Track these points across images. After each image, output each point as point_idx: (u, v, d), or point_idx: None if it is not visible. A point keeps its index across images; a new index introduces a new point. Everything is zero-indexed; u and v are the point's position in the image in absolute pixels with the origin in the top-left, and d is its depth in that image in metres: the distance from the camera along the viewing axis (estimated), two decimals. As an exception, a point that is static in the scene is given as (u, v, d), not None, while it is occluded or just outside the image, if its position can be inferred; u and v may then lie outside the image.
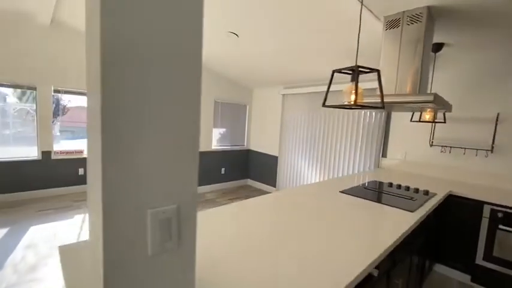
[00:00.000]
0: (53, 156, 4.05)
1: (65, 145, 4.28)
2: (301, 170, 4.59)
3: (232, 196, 4.77)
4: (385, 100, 1.69)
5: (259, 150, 5.41)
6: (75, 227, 3.07)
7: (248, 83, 5.20)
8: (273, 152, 5.10)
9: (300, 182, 4.60)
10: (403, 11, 1.96)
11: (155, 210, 0.65)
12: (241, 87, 5.35)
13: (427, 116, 2.74)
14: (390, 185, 2.47)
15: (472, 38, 2.41)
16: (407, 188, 2.37)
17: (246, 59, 3.88)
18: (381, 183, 2.55)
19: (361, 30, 2.55)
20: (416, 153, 3.24)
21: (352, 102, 1.46)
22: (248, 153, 5.65)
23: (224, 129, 5.20)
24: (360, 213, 1.68)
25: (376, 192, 2.21)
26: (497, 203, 2.25)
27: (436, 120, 2.69)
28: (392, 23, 2.03)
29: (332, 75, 1.53)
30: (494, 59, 2.66)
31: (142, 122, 0.59)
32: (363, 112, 3.74)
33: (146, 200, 0.63)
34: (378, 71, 1.45)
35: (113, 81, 0.53)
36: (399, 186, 2.41)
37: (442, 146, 3.01)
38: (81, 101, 4.42)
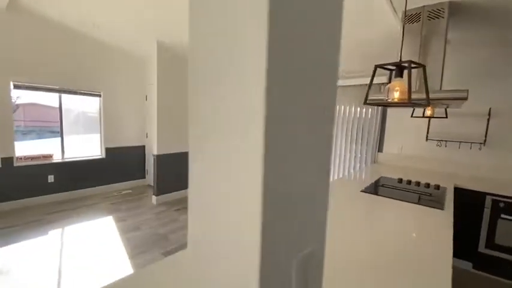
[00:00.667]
0: (16, 163, 3.47)
1: (29, 149, 3.70)
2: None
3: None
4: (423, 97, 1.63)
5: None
6: (53, 247, 2.65)
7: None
8: (264, 149, 4.96)
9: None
10: (423, 6, 1.93)
11: (301, 254, 0.47)
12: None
13: (429, 111, 2.81)
14: (400, 181, 2.49)
15: (472, 36, 2.50)
16: (418, 184, 2.40)
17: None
18: (392, 179, 2.56)
19: (374, 24, 2.51)
20: (413, 148, 3.33)
21: (397, 100, 1.37)
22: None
23: (212, 127, 4.93)
24: (399, 215, 1.62)
25: (396, 190, 2.19)
26: (499, 193, 2.37)
27: (436, 116, 2.76)
28: (412, 18, 1.99)
29: (374, 71, 1.42)
30: (486, 56, 2.80)
31: (299, 150, 0.42)
32: (360, 108, 3.76)
33: (295, 241, 0.46)
34: (423, 66, 1.38)
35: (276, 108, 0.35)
36: (409, 182, 2.43)
37: (438, 140, 3.13)
38: (36, 98, 3.82)
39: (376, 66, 1.43)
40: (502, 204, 2.36)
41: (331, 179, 3.78)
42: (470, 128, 2.93)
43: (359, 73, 3.65)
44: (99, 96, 4.26)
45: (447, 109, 2.73)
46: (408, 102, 1.31)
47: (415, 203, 1.82)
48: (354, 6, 2.21)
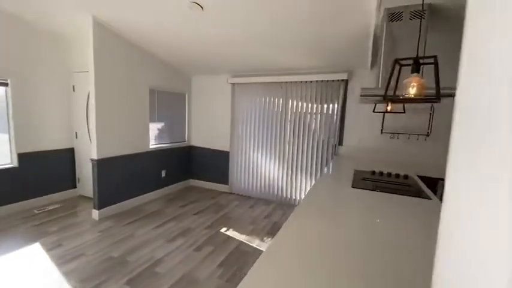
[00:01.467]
0: None
1: None
2: (258, 163, 4.38)
3: (181, 202, 4.08)
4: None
5: (204, 146, 4.83)
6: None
7: (187, 68, 4.48)
8: (222, 147, 4.65)
9: (257, 176, 4.40)
10: (407, 5, 2.00)
11: None
12: (179, 73, 4.57)
13: (389, 107, 3.04)
14: (373, 173, 2.61)
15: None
16: (389, 174, 2.56)
17: (191, 40, 3.26)
18: (365, 172, 2.66)
19: (351, 21, 2.53)
20: (369, 141, 3.60)
21: (413, 95, 1.35)
22: (190, 150, 4.97)
23: (162, 124, 4.33)
24: (403, 210, 1.63)
25: (380, 183, 2.26)
26: (425, 175, 2.73)
27: (396, 111, 3.02)
28: (395, 16, 2.05)
29: (394, 65, 1.36)
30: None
31: None
32: (321, 104, 3.85)
33: None
34: (436, 62, 1.38)
35: None
36: (381, 173, 2.58)
37: (391, 133, 3.45)
38: None
39: (396, 61, 1.37)
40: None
41: (282, 171, 3.74)
42: (418, 122, 3.32)
43: (320, 69, 3.72)
44: (6, 85, 3.20)
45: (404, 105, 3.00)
46: (418, 99, 1.30)
47: (404, 195, 1.90)
48: (329, 5, 2.17)
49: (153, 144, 4.14)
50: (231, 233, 3.09)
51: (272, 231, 3.18)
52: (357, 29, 2.58)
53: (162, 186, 4.39)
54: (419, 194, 1.95)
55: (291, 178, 4.15)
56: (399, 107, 3.07)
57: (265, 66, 3.92)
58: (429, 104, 3.21)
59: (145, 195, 4.03)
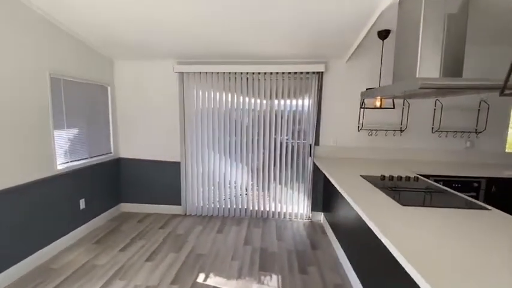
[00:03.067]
0: None
1: None
2: (219, 173, 3.53)
3: (119, 242, 2.83)
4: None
5: (141, 157, 3.60)
6: None
7: (109, 49, 3.15)
8: (170, 156, 3.54)
9: (219, 190, 3.54)
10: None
11: None
12: (96, 55, 3.16)
13: (378, 102, 2.80)
14: (383, 178, 2.29)
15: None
16: (400, 178, 2.29)
17: (116, 11, 2.16)
18: (374, 177, 2.31)
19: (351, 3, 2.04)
20: (346, 139, 3.34)
21: None
22: (119, 164, 3.61)
23: (75, 131, 2.89)
24: (487, 228, 1.27)
25: (409, 192, 1.92)
26: (434, 174, 2.70)
27: (384, 107, 2.80)
28: (436, -8, 1.68)
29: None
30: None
31: None
32: (295, 100, 3.33)
33: None
34: None
35: None
36: (392, 178, 2.29)
37: (369, 130, 3.27)
38: None
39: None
40: (441, 183, 2.70)
41: (252, 178, 3.12)
42: (390, 117, 3.24)
43: (295, 58, 3.19)
44: None
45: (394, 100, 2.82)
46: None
47: (444, 207, 1.60)
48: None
49: (62, 163, 2.70)
50: (215, 281, 2.23)
51: (267, 264, 2.48)
52: (358, 8, 2.13)
53: (83, 222, 2.98)
54: (471, 205, 1.67)
55: (262, 187, 3.51)
56: (389, 102, 2.88)
57: (226, 51, 3.09)
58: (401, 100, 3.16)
59: (56, 243, 2.60)
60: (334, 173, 2.50)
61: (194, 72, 3.32)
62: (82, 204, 2.96)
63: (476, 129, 3.19)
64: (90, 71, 3.06)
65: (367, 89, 2.65)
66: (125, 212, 3.66)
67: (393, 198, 1.76)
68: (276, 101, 3.35)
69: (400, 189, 1.98)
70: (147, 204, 3.67)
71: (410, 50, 1.85)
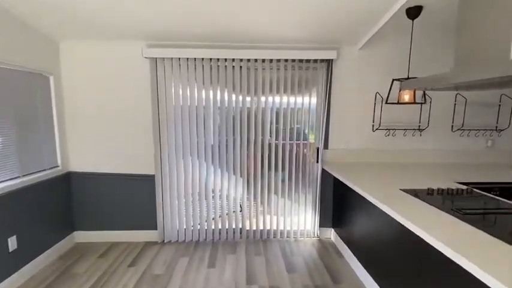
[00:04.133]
0: None
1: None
2: (206, 186, 2.80)
3: (69, 295, 2.00)
4: None
5: (101, 170, 2.73)
6: None
7: (51, 25, 2.26)
8: (141, 168, 2.73)
9: (206, 207, 2.82)
10: None
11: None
12: (33, 33, 2.25)
13: (406, 96, 2.30)
14: (431, 192, 1.79)
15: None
16: (450, 192, 1.81)
17: None
18: (420, 191, 1.79)
19: None
20: (359, 141, 2.83)
21: None
22: (69, 180, 2.71)
23: (0, 140, 1.98)
24: None
25: (490, 215, 1.41)
26: (475, 181, 2.27)
27: (417, 102, 2.31)
28: None
29: None
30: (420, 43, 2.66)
31: None
32: (300, 94, 2.72)
33: None
34: None
35: None
36: (441, 192, 1.79)
37: (386, 129, 2.79)
38: None
39: None
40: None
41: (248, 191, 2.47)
42: (410, 115, 2.79)
43: (300, 42, 2.58)
44: None
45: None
46: None
47: None
48: None
49: (-27, 189, 1.79)
50: None
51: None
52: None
53: (14, 269, 2.09)
54: None
55: (260, 201, 2.86)
56: (419, 95, 2.39)
57: (212, 31, 2.38)
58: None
59: (-37, 311, 1.70)
60: (365, 186, 1.93)
61: (171, 58, 2.55)
62: (12, 243, 2.06)
63: (496, 127, 2.87)
64: (22, 53, 2.15)
65: (402, 79, 2.14)
66: (81, 244, 2.77)
67: (485, 231, 1.22)
68: (277, 97, 2.71)
69: (474, 212, 1.46)
70: (110, 231, 2.81)
71: (491, 24, 1.33)
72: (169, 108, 2.63)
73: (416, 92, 2.32)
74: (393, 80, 2.29)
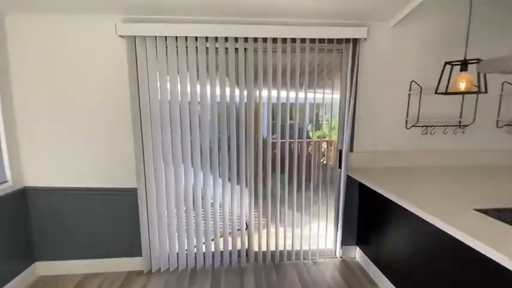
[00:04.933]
0: None
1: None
2: (206, 200, 2.24)
3: None
4: None
5: (66, 184, 2.13)
6: None
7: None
8: (120, 180, 2.14)
9: (207, 225, 2.27)
10: None
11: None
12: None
13: (462, 83, 1.78)
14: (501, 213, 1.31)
15: None
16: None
17: None
18: (492, 212, 1.30)
19: None
20: (391, 141, 2.32)
21: None
22: (24, 199, 2.10)
23: None
24: None
25: None
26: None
27: (477, 91, 1.80)
28: None
29: None
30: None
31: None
32: (320, 84, 2.18)
33: None
34: None
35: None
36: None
37: (424, 126, 2.29)
38: None
39: None
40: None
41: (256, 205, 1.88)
42: (448, 108, 2.30)
43: (320, 16, 2.03)
44: None
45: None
46: None
47: None
48: None
49: None
50: None
51: None
52: None
53: None
54: None
55: (270, 217, 2.33)
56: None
57: (210, 2, 1.80)
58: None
59: None
60: (421, 203, 1.42)
61: (154, 38, 1.95)
62: None
63: (546, 121, 2.42)
64: None
65: (458, 62, 1.64)
66: (45, 278, 2.17)
67: None
68: (291, 89, 2.16)
69: None
70: (82, 261, 2.22)
71: None
72: (154, 104, 2.04)
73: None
74: (446, 63, 1.77)
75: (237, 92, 2.10)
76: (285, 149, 2.24)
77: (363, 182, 2.01)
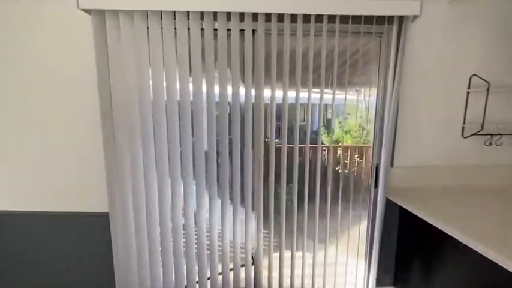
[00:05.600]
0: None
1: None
2: (200, 227, 1.72)
3: None
4: None
5: (13, 208, 1.63)
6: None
7: None
8: (85, 203, 1.64)
9: (201, 259, 1.75)
10: None
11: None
12: None
13: None
14: None
15: None
16: None
17: None
18: None
19: None
20: (442, 153, 1.78)
21: None
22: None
23: None
24: None
25: None
26: None
27: None
28: None
29: None
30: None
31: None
32: (350, 80, 1.66)
33: None
34: None
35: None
36: None
37: (488, 135, 1.74)
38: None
39: None
40: None
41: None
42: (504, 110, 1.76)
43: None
44: None
45: None
46: None
47: None
48: None
49: None
50: None
51: None
52: None
53: None
54: None
55: (282, 248, 1.80)
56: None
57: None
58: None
59: None
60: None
61: (131, 13, 1.44)
62: None
63: None
64: None
65: None
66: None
67: None
68: (313, 86, 1.63)
69: None
70: (40, 306, 1.72)
71: None
72: (131, 105, 1.52)
73: None
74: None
75: (241, 90, 1.58)
76: (305, 160, 1.71)
77: (407, 207, 1.49)
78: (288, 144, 1.65)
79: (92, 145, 1.57)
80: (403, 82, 1.66)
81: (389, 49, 1.61)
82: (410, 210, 1.47)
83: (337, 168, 1.79)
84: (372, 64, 1.69)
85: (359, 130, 1.79)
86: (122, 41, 1.46)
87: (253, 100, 1.59)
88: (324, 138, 1.73)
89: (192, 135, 1.60)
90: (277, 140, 1.67)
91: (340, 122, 1.73)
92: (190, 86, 1.54)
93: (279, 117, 1.63)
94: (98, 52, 1.44)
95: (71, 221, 1.65)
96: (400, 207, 1.59)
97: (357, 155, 1.84)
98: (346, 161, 1.81)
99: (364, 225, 1.85)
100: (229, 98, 1.59)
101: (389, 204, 1.69)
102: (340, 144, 1.77)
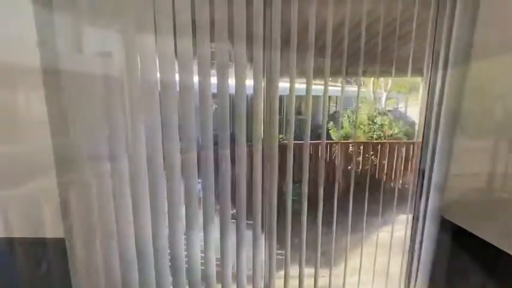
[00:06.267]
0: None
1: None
2: (192, 254, 1.30)
3: None
4: None
5: None
6: None
7: None
8: (30, 227, 1.20)
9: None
10: None
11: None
12: None
13: None
14: None
15: None
16: None
17: None
18: None
19: None
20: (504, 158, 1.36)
21: None
22: None
23: None
24: None
25: None
26: None
27: None
28: None
29: None
30: None
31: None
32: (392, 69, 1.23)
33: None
34: None
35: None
36: None
37: None
38: None
39: None
40: None
41: None
42: None
43: None
44: None
45: None
46: None
47: None
48: None
49: None
50: None
51: None
52: None
53: None
54: None
55: (299, 279, 1.38)
56: None
57: None
58: None
59: None
60: None
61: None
62: None
63: None
64: None
65: None
66: None
67: None
68: (337, 74, 1.20)
69: None
70: None
71: None
72: (85, 89, 1.09)
73: None
74: None
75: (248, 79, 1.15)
76: (334, 164, 1.28)
77: (476, 233, 1.07)
78: (310, 140, 1.22)
79: (40, 150, 1.13)
80: (459, 62, 1.22)
81: (444, 15, 1.19)
82: (483, 237, 1.05)
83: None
84: (418, 39, 1.27)
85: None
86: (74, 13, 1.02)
87: (263, 91, 1.16)
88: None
89: (179, 133, 1.17)
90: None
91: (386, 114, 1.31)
92: (176, 68, 1.11)
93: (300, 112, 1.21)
94: (40, 34, 1.00)
95: (18, 247, 1.21)
96: (456, 226, 1.18)
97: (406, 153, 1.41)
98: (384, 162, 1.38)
99: (409, 250, 1.42)
100: (232, 88, 1.16)
101: (444, 224, 1.27)
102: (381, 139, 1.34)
